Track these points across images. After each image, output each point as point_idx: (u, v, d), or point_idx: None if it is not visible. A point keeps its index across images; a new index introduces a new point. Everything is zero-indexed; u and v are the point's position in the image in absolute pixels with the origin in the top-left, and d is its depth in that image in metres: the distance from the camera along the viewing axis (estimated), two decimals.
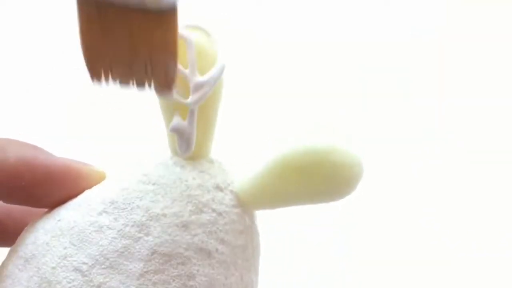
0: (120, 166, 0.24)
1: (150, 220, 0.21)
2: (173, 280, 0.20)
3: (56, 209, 0.23)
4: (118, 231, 0.21)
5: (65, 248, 0.21)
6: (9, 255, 0.23)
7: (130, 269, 0.20)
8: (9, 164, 0.22)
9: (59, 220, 0.22)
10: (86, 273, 0.20)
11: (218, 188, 0.23)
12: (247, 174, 0.23)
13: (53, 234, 0.22)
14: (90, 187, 0.23)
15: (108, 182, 0.23)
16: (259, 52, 0.45)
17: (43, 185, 0.23)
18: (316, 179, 0.21)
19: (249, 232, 0.23)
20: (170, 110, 0.22)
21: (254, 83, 0.43)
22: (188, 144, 0.22)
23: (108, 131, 0.42)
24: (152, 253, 0.21)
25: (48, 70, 0.40)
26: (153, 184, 0.22)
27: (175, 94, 0.21)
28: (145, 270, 0.20)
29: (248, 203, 0.23)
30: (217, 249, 0.21)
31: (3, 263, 0.23)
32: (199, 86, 0.21)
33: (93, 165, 0.24)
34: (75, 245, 0.21)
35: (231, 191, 0.23)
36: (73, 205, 0.23)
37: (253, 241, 0.23)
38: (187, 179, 0.22)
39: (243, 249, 0.23)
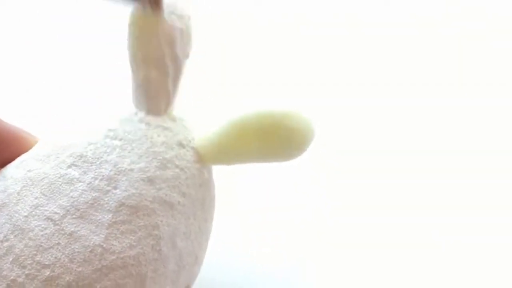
0: (84, 120, 0.25)
1: (118, 175, 0.23)
2: (139, 230, 0.22)
3: (23, 158, 0.24)
4: (88, 184, 0.23)
5: (36, 198, 0.23)
6: None
7: (100, 220, 0.22)
8: None
9: (29, 171, 0.24)
10: (58, 222, 0.22)
11: (181, 145, 0.25)
12: (208, 132, 0.25)
13: (24, 184, 0.23)
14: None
15: (74, 135, 0.24)
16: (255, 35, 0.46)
17: None
18: (270, 140, 0.23)
19: (207, 185, 0.25)
20: (139, 64, 0.24)
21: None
22: None
23: None
24: (120, 205, 0.22)
25: (48, 70, 0.40)
26: (120, 139, 0.24)
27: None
28: (113, 220, 0.22)
29: (207, 159, 0.25)
30: (179, 202, 0.24)
31: None
32: None
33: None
34: (46, 196, 0.23)
35: (192, 148, 0.25)
36: (41, 156, 0.24)
37: (211, 193, 0.26)
38: (152, 136, 0.24)
39: (202, 201, 0.25)
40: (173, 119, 0.25)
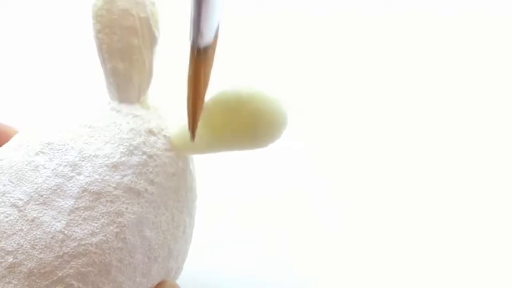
0: (60, 111, 0.25)
1: (83, 161, 0.23)
2: (102, 217, 0.22)
3: (1, 148, 0.25)
4: (52, 170, 0.22)
5: (4, 185, 0.23)
6: None
7: (62, 206, 0.22)
8: None
9: (0, 160, 0.24)
10: (22, 208, 0.22)
11: (151, 132, 0.24)
12: (182, 120, 0.24)
13: None
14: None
15: (48, 125, 0.24)
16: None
17: None
18: (236, 124, 0.22)
19: (182, 175, 0.24)
20: (105, 56, 0.24)
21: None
22: None
23: None
24: (83, 191, 0.22)
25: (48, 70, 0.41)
26: (89, 127, 0.24)
27: None
28: (75, 206, 0.22)
29: (181, 148, 0.24)
30: (146, 189, 0.23)
31: None
32: None
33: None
34: (13, 183, 0.23)
35: (164, 136, 0.24)
36: (15, 146, 0.24)
37: (186, 184, 0.25)
38: (121, 123, 0.24)
39: (174, 191, 0.24)
40: (147, 108, 0.25)
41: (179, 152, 0.24)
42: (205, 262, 0.29)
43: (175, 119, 0.25)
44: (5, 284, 0.21)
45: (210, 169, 0.29)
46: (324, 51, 0.45)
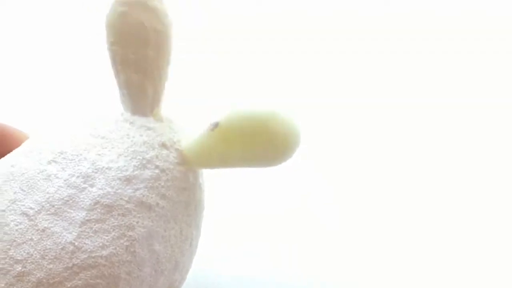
0: (72, 119, 0.25)
1: (96, 173, 0.23)
2: (113, 230, 0.22)
3: (11, 154, 0.24)
4: (65, 180, 0.22)
5: (15, 193, 0.23)
6: None
7: (73, 217, 0.22)
8: None
9: (12, 166, 0.23)
10: (32, 217, 0.22)
11: (164, 146, 0.24)
12: (195, 134, 0.24)
13: (5, 179, 0.23)
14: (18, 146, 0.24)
15: (61, 133, 0.24)
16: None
17: None
18: (253, 143, 0.22)
19: (193, 189, 0.25)
20: (118, 67, 0.24)
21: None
22: None
23: None
24: (95, 204, 0.22)
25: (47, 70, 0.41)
26: (102, 138, 0.24)
27: None
28: (87, 218, 0.22)
29: (193, 162, 0.24)
30: (157, 204, 0.23)
31: None
32: None
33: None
34: (24, 191, 0.22)
35: (177, 150, 0.24)
36: (26, 153, 0.24)
37: (196, 197, 0.25)
38: (134, 136, 0.24)
39: (185, 205, 0.24)
40: (160, 120, 0.25)
41: (190, 167, 0.24)
42: (207, 269, 0.29)
43: (187, 132, 0.25)
44: None
45: (213, 176, 0.29)
46: (325, 52, 0.45)
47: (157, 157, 0.23)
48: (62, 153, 0.23)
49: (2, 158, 0.24)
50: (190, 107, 0.25)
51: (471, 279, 0.32)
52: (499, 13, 0.48)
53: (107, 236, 0.22)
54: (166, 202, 0.23)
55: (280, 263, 0.32)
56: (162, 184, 0.23)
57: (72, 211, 0.22)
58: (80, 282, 0.21)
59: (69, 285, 0.21)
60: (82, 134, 0.24)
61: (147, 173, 0.23)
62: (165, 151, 0.24)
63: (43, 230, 0.22)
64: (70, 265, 0.21)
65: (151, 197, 0.23)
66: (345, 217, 0.35)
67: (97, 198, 0.22)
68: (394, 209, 0.35)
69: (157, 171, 0.23)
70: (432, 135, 0.40)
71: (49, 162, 0.23)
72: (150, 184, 0.23)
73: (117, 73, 0.24)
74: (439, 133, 0.40)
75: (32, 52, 0.42)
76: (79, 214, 0.22)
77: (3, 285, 0.21)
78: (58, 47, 0.42)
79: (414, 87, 0.43)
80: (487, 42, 0.46)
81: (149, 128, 0.24)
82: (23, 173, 0.23)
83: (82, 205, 0.22)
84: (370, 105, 0.42)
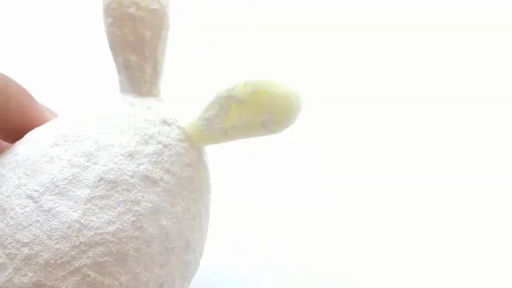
0: (74, 106, 0.25)
1: (98, 151, 0.22)
2: (118, 205, 0.22)
3: (15, 144, 0.24)
4: (68, 160, 0.22)
5: (19, 178, 0.22)
6: None
7: (78, 195, 0.22)
8: (9, 111, 0.24)
9: (15, 154, 0.23)
10: (37, 199, 0.22)
11: (165, 122, 0.24)
12: (196, 110, 0.24)
13: (9, 167, 0.23)
14: None
15: (63, 119, 0.24)
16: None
17: (27, 130, 0.25)
18: (254, 109, 0.22)
19: (197, 166, 0.24)
20: (116, 49, 0.24)
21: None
22: None
23: None
24: (99, 180, 0.22)
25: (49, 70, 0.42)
26: (104, 119, 0.23)
27: None
28: (91, 195, 0.22)
29: (196, 138, 0.24)
30: (162, 178, 0.23)
31: None
32: None
33: None
34: (28, 175, 0.22)
35: (178, 127, 0.24)
36: (29, 140, 0.24)
37: (201, 175, 0.25)
38: (136, 114, 0.24)
39: (189, 181, 0.24)
40: (160, 100, 0.25)
41: (193, 143, 0.24)
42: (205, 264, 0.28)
43: (188, 111, 0.25)
44: (21, 277, 0.21)
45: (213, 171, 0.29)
46: (316, 48, 0.45)
47: (159, 133, 0.23)
48: (64, 136, 0.23)
49: (7, 149, 0.24)
50: (177, 101, 0.25)
51: (468, 275, 0.32)
52: (497, 11, 0.48)
53: (112, 212, 0.22)
54: (171, 177, 0.23)
55: (269, 256, 0.31)
56: (166, 159, 0.23)
57: (76, 189, 0.22)
58: (88, 260, 0.21)
59: (77, 264, 0.21)
60: (83, 117, 0.24)
61: (150, 148, 0.23)
62: (167, 127, 0.24)
63: (49, 211, 0.21)
64: (77, 243, 0.21)
65: (155, 172, 0.23)
66: (337, 210, 0.34)
67: (101, 175, 0.22)
68: (387, 202, 0.35)
69: (159, 146, 0.23)
70: (429, 132, 0.40)
71: (52, 146, 0.23)
72: (154, 159, 0.23)
73: (115, 56, 0.24)
74: (436, 129, 0.40)
75: (32, 52, 0.42)
76: (84, 191, 0.22)
77: (10, 270, 0.21)
78: (58, 47, 0.42)
79: (411, 83, 0.44)
80: (485, 40, 0.46)
81: (150, 107, 0.24)
82: (27, 159, 0.23)
83: (86, 183, 0.22)
84: (366, 101, 0.42)
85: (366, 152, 0.38)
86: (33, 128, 0.25)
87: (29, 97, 0.26)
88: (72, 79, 0.40)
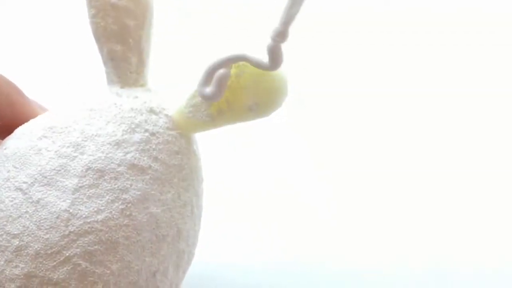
0: (61, 100, 0.25)
1: (85, 141, 0.22)
2: (107, 194, 0.22)
3: (5, 140, 0.25)
4: (55, 151, 0.22)
5: (8, 171, 0.22)
6: None
7: (66, 185, 0.22)
8: None
9: (5, 149, 0.24)
10: (26, 191, 0.22)
11: (152, 111, 0.24)
12: (183, 98, 0.24)
13: None
14: None
15: (51, 111, 0.24)
16: None
17: (18, 126, 0.25)
18: (239, 93, 0.22)
19: (186, 153, 0.24)
20: (101, 40, 0.24)
21: None
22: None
23: None
24: (87, 170, 0.22)
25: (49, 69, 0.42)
26: (90, 110, 0.24)
27: None
28: (79, 185, 0.22)
29: (184, 126, 0.24)
30: (150, 166, 0.23)
31: None
32: None
33: None
34: (17, 168, 0.22)
35: (166, 115, 0.24)
36: (18, 135, 0.24)
37: (191, 163, 0.25)
38: (122, 104, 0.24)
39: (179, 169, 0.24)
40: (147, 90, 0.25)
41: (181, 131, 0.24)
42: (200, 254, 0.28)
43: (175, 100, 0.25)
44: (12, 269, 0.21)
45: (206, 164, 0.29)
46: (318, 43, 0.45)
47: (146, 121, 0.23)
48: (51, 128, 0.23)
49: None
50: (165, 90, 0.25)
51: (466, 273, 0.31)
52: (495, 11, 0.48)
53: (101, 200, 0.22)
54: (159, 165, 0.23)
55: (261, 246, 0.31)
56: (153, 147, 0.23)
57: (64, 179, 0.22)
58: (78, 250, 0.21)
59: (67, 254, 0.21)
60: (70, 109, 0.24)
61: (137, 136, 0.23)
62: (154, 116, 0.24)
63: (37, 202, 0.22)
64: (66, 232, 0.21)
65: (143, 160, 0.23)
66: (329, 199, 0.34)
67: (88, 164, 0.22)
68: (380, 192, 0.35)
69: (147, 134, 0.23)
70: (428, 131, 0.40)
71: (40, 138, 0.23)
72: (141, 147, 0.23)
73: (101, 47, 0.24)
74: (435, 129, 0.40)
75: (32, 52, 0.43)
76: (72, 181, 0.22)
77: (2, 262, 0.21)
78: (57, 47, 0.42)
79: (411, 84, 0.43)
80: (483, 40, 0.46)
81: (136, 97, 0.24)
82: (15, 152, 0.23)
83: (74, 173, 0.22)
84: (367, 101, 0.42)
85: (359, 142, 0.38)
86: (24, 123, 0.25)
87: (20, 93, 0.26)
88: (63, 75, 0.40)
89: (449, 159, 0.38)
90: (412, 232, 0.33)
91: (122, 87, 0.24)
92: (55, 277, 0.21)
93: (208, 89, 0.22)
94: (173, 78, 0.24)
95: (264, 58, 0.22)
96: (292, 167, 0.37)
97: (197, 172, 0.25)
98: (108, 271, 0.22)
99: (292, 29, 0.21)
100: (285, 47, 0.21)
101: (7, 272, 0.21)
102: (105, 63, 0.25)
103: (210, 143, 0.28)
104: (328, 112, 0.40)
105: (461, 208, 0.35)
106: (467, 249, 0.32)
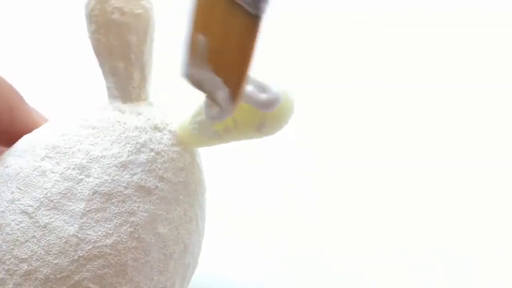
0: (62, 112, 0.25)
1: (90, 162, 0.22)
2: (115, 217, 0.22)
3: (4, 155, 0.24)
4: (61, 174, 0.22)
5: (12, 193, 0.22)
6: None
7: (73, 209, 0.22)
8: None
9: (6, 167, 0.23)
10: (33, 215, 0.22)
11: (156, 128, 0.24)
12: (187, 113, 0.24)
13: (1, 180, 0.23)
14: None
15: (51, 127, 0.24)
16: None
17: (16, 132, 0.24)
18: (247, 113, 0.22)
19: (190, 168, 0.24)
20: (109, 54, 0.23)
21: None
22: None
23: None
24: (93, 193, 0.22)
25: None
26: (93, 128, 0.23)
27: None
28: (87, 209, 0.22)
29: (188, 142, 0.24)
30: (157, 186, 0.23)
31: None
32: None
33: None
34: (21, 190, 0.22)
35: (170, 131, 0.24)
36: (19, 152, 0.24)
37: (195, 177, 0.25)
38: (126, 122, 0.23)
39: (184, 185, 0.24)
40: (150, 104, 0.25)
41: (185, 146, 0.24)
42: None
43: (178, 114, 0.25)
44: None
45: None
46: (317, 42, 0.45)
47: (151, 140, 0.23)
48: (55, 148, 0.23)
49: None
50: (167, 102, 0.25)
51: (461, 270, 0.32)
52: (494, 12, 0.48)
53: (109, 224, 0.22)
54: (165, 184, 0.23)
55: (266, 262, 0.31)
56: (159, 166, 0.23)
57: (71, 203, 0.22)
58: (88, 273, 0.21)
59: (77, 278, 0.21)
60: (73, 127, 0.23)
61: (143, 157, 0.23)
62: (158, 134, 0.24)
63: (45, 226, 0.21)
64: (75, 257, 0.21)
65: (150, 181, 0.22)
66: (331, 214, 0.35)
67: (95, 188, 0.22)
68: (379, 205, 0.35)
69: (152, 154, 0.23)
70: (426, 130, 0.40)
71: (43, 158, 0.23)
72: (147, 168, 0.23)
73: (101, 62, 0.24)
74: (433, 128, 0.40)
75: (31, 52, 0.42)
76: (79, 205, 0.22)
77: (11, 285, 0.21)
78: (57, 47, 0.42)
79: (410, 85, 0.43)
80: (482, 41, 0.46)
81: (139, 113, 0.24)
82: (18, 173, 0.23)
83: (81, 196, 0.22)
84: (365, 103, 0.42)
85: (365, 154, 0.38)
86: (22, 130, 0.25)
87: (20, 99, 0.25)
88: (62, 76, 0.39)
89: (448, 161, 0.38)
90: (421, 234, 0.33)
91: (124, 102, 0.24)
92: None
93: (215, 111, 0.21)
94: (173, 78, 0.24)
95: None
96: (297, 179, 0.37)
97: (201, 184, 0.25)
98: None
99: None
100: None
101: None
102: (106, 78, 0.24)
103: (214, 157, 0.28)
104: (335, 128, 0.40)
105: (461, 208, 0.35)
106: (466, 249, 0.33)
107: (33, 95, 0.26)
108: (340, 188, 0.36)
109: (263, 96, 0.21)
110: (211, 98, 0.21)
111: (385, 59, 0.45)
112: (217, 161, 0.32)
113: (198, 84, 0.20)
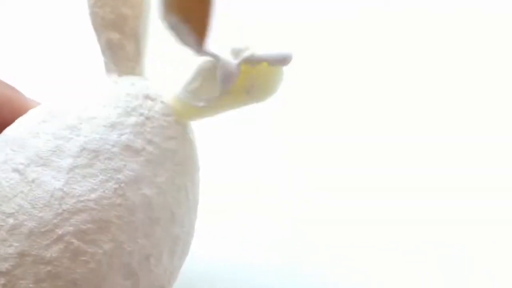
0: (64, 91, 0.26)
1: (81, 123, 0.23)
2: (101, 173, 0.22)
3: (5, 130, 0.25)
4: (52, 134, 0.23)
5: (6, 154, 0.23)
6: None
7: (61, 165, 0.22)
8: None
9: (4, 135, 0.24)
10: (22, 171, 0.22)
11: (148, 97, 0.24)
12: (179, 84, 0.25)
13: None
14: None
15: (50, 101, 0.25)
16: None
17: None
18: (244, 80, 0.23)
19: (181, 140, 0.25)
20: (99, 28, 0.25)
21: None
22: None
23: None
24: (81, 150, 0.22)
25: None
26: (88, 95, 0.24)
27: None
28: (74, 164, 0.22)
29: (180, 112, 0.25)
30: (144, 148, 0.23)
31: None
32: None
33: None
34: (15, 151, 0.23)
35: (162, 102, 0.25)
36: (18, 122, 0.25)
37: (186, 149, 0.25)
38: (118, 90, 0.24)
39: (173, 153, 0.24)
40: (145, 79, 0.25)
41: (177, 118, 0.25)
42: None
43: (172, 87, 0.25)
44: (6, 248, 0.21)
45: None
46: (318, 48, 0.45)
47: (141, 106, 0.24)
48: (50, 112, 0.24)
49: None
50: (162, 79, 0.26)
51: (457, 268, 0.31)
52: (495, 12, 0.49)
53: (94, 180, 0.22)
54: (153, 148, 0.23)
55: (251, 245, 0.31)
56: (148, 130, 0.23)
57: (59, 159, 0.22)
58: (71, 228, 0.21)
59: (60, 232, 0.21)
60: (69, 95, 0.24)
61: (132, 119, 0.23)
62: (149, 102, 0.24)
63: (33, 181, 0.22)
64: (60, 211, 0.21)
65: (137, 142, 0.23)
66: (318, 198, 0.34)
67: (83, 145, 0.22)
68: (372, 192, 0.35)
69: (142, 117, 0.23)
70: (425, 130, 0.40)
71: (39, 123, 0.23)
72: (136, 130, 0.23)
73: (99, 36, 0.25)
74: (432, 128, 0.40)
75: (31, 52, 0.43)
76: (66, 161, 0.22)
77: None
78: (57, 47, 0.43)
79: (408, 85, 0.44)
80: (483, 41, 0.47)
81: (133, 84, 0.25)
82: (15, 137, 0.23)
83: (69, 153, 0.22)
84: (359, 99, 0.42)
85: (355, 144, 0.38)
86: None
87: (17, 91, 0.27)
88: (62, 75, 0.41)
89: (448, 161, 0.37)
90: (413, 223, 0.33)
91: (119, 75, 0.25)
92: (47, 256, 0.21)
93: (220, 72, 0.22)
94: (172, 78, 0.25)
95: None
96: (273, 165, 0.36)
97: (193, 159, 0.25)
98: (101, 251, 0.22)
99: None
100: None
101: (1, 252, 0.21)
102: (103, 53, 0.25)
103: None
104: (334, 126, 0.41)
105: (460, 208, 0.34)
106: (466, 249, 0.32)
107: (32, 95, 0.27)
108: (333, 178, 0.36)
109: (275, 52, 0.22)
110: (183, 44, 0.22)
111: (385, 59, 0.45)
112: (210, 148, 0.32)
113: (172, 30, 0.22)
